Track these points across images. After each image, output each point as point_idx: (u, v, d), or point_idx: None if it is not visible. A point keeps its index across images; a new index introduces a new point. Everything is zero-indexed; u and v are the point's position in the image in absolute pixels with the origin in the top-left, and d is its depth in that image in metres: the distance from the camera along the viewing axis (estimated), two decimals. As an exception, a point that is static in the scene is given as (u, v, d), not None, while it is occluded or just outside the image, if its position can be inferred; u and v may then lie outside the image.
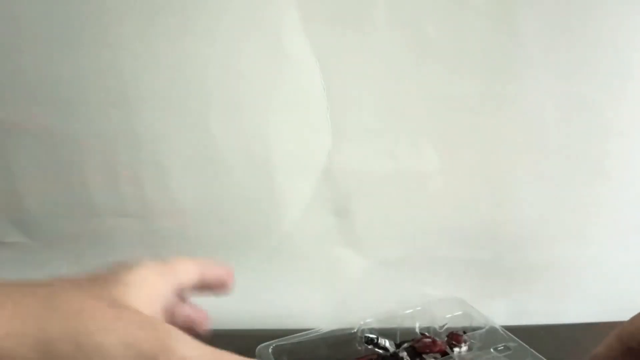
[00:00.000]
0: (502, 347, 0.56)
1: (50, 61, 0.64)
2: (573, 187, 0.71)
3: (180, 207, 0.70)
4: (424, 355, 0.55)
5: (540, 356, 0.54)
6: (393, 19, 0.63)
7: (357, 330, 0.58)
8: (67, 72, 0.64)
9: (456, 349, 0.56)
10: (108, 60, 0.64)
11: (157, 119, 0.67)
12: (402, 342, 0.58)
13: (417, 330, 0.60)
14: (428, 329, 0.61)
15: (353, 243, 0.73)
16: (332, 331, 0.59)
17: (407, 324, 0.60)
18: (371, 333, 0.58)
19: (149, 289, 0.32)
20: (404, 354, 0.55)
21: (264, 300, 0.75)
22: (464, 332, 0.60)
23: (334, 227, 0.72)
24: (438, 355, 0.55)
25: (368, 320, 0.59)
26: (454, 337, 0.58)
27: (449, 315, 0.61)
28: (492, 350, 0.56)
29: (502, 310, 0.75)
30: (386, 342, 0.57)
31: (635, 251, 0.75)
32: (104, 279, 0.31)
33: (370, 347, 0.57)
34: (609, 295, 0.75)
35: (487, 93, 0.66)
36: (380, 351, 0.56)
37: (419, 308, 0.61)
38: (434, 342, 0.56)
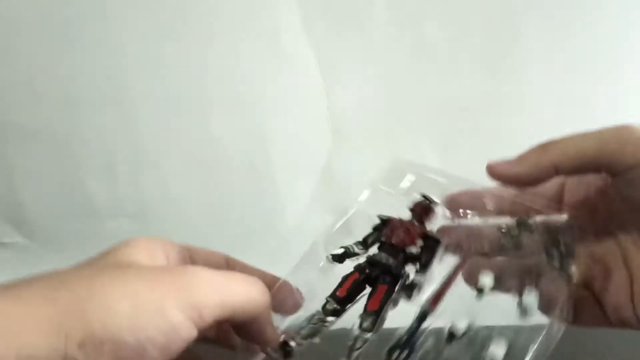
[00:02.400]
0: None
1: (50, 61, 0.64)
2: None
3: (180, 207, 0.70)
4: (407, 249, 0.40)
5: None
6: (393, 19, 0.63)
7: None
8: (67, 72, 0.64)
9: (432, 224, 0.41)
10: (108, 60, 0.64)
11: (157, 119, 0.67)
12: (366, 238, 0.43)
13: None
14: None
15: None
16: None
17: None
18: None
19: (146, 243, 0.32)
20: (390, 260, 0.40)
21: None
22: (427, 199, 0.42)
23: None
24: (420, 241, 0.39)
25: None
26: (422, 210, 0.41)
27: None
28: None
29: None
30: (354, 248, 0.43)
31: None
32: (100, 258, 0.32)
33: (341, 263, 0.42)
34: None
35: (487, 93, 0.66)
36: (356, 258, 0.42)
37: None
38: (404, 226, 0.41)
